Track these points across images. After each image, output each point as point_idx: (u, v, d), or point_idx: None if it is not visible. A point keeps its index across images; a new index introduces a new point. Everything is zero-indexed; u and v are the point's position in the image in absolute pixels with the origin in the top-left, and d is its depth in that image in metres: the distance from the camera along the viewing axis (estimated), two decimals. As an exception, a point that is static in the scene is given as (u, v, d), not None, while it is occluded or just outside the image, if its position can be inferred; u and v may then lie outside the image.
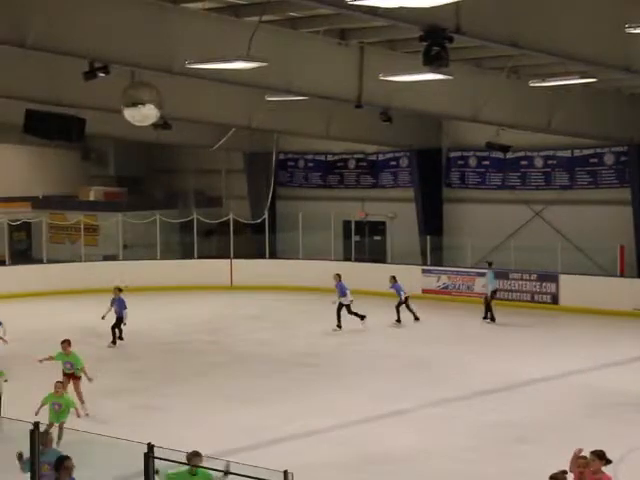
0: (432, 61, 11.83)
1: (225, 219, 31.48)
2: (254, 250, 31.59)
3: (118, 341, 21.60)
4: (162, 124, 20.90)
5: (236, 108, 23.93)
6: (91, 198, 34.86)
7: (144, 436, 8.78)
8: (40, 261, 30.76)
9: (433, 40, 11.69)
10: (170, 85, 17.20)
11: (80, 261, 31.01)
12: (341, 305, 23.58)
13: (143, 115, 15.45)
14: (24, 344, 20.56)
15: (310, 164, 34.01)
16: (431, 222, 30.51)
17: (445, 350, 21.21)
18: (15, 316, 22.74)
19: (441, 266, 29.23)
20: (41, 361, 15.77)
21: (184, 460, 9.02)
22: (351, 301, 23.49)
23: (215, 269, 30.44)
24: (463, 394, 17.04)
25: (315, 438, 14.42)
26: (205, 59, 14.43)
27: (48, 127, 18.03)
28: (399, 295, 24.45)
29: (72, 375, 15.61)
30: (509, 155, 27.65)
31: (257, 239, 31.84)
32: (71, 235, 33.50)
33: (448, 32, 11.71)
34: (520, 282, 27.29)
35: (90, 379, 15.54)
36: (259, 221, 31.86)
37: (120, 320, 21.43)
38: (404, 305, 24.40)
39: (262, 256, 31.27)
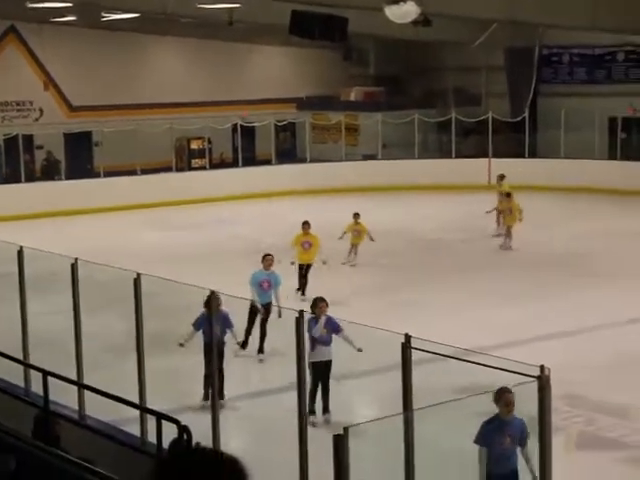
0: None
1: (484, 118, 30.97)
2: (513, 149, 30.96)
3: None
4: (422, 21, 20.69)
5: (497, 2, 23.23)
6: (352, 98, 35.48)
7: (401, 328, 9.00)
8: (303, 160, 31.90)
9: None
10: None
11: (341, 160, 31.84)
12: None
13: (404, 12, 15.46)
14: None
15: (575, 59, 32.54)
16: None
17: None
18: (278, 213, 23.78)
19: None
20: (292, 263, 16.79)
21: (441, 351, 9.18)
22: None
23: (473, 168, 30.20)
24: None
25: (571, 338, 14.24)
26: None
27: (312, 27, 18.43)
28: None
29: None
30: None
31: (516, 138, 31.13)
32: (333, 135, 34.40)
33: None
34: None
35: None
36: (519, 119, 31.08)
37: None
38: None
39: (521, 155, 30.62)
